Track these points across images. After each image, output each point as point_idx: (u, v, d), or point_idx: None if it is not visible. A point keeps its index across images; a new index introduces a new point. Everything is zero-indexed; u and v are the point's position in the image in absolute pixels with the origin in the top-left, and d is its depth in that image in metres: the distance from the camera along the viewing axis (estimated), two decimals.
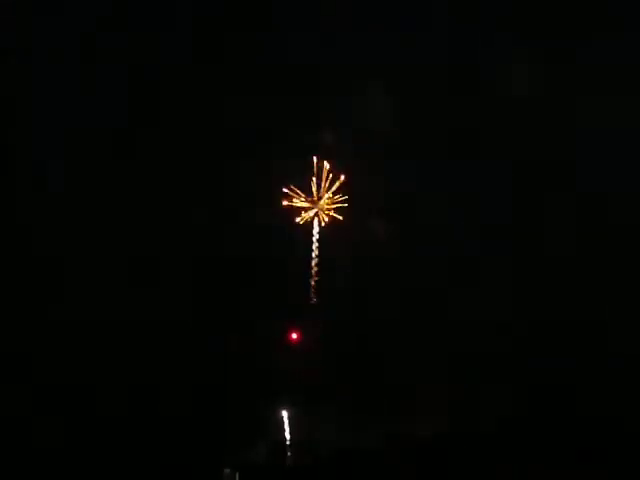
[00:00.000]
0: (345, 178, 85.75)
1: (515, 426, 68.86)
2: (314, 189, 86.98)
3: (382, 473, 63.96)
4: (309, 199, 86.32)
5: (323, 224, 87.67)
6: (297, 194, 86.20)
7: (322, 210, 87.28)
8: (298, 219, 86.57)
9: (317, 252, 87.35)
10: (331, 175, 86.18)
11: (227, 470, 67.05)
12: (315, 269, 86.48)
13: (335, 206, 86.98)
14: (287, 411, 74.79)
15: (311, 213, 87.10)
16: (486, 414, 69.73)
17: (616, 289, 73.88)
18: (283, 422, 74.43)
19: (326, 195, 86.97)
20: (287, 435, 73.44)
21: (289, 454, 70.29)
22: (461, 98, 76.29)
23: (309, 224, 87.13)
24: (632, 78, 74.16)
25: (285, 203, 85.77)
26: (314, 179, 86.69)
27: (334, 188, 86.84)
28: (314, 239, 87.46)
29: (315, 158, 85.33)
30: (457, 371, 71.96)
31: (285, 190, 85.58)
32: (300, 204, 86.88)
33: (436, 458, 64.68)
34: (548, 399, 71.08)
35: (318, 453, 68.18)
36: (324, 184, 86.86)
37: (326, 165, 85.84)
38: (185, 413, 69.39)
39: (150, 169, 74.06)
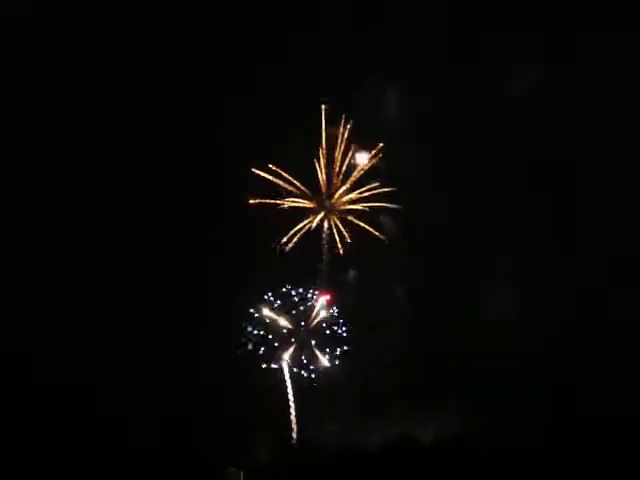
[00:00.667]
0: (377, 154, 58.29)
1: (515, 427, 69.11)
2: (320, 174, 57.77)
3: (383, 474, 64.09)
4: (316, 198, 58.76)
5: (340, 246, 58.00)
6: (293, 187, 59.34)
7: (334, 213, 58.93)
8: (284, 239, 57.72)
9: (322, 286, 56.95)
10: (351, 152, 58.02)
11: (232, 469, 66.74)
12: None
13: (355, 207, 58.95)
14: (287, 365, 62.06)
15: (317, 218, 58.91)
16: (486, 415, 70.06)
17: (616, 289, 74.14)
18: (283, 374, 62.55)
19: (341, 189, 57.75)
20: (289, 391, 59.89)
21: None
22: (461, 98, 76.30)
23: (318, 230, 58.82)
24: (632, 78, 74.35)
25: (252, 201, 60.29)
26: (321, 156, 57.58)
27: (356, 174, 58.71)
28: (321, 271, 58.20)
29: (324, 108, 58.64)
30: (458, 372, 72.15)
31: (257, 172, 57.84)
32: (300, 204, 59.66)
33: (437, 460, 64.77)
34: (548, 399, 71.31)
35: (323, 452, 67.31)
36: (337, 164, 58.02)
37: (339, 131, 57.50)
38: (189, 412, 69.55)
39: (149, 168, 74.08)
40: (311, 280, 60.43)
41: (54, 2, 72.22)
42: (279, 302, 59.82)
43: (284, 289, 59.45)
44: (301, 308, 58.38)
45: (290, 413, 61.93)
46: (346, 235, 60.13)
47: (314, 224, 58.86)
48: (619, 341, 71.46)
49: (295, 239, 60.02)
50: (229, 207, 72.77)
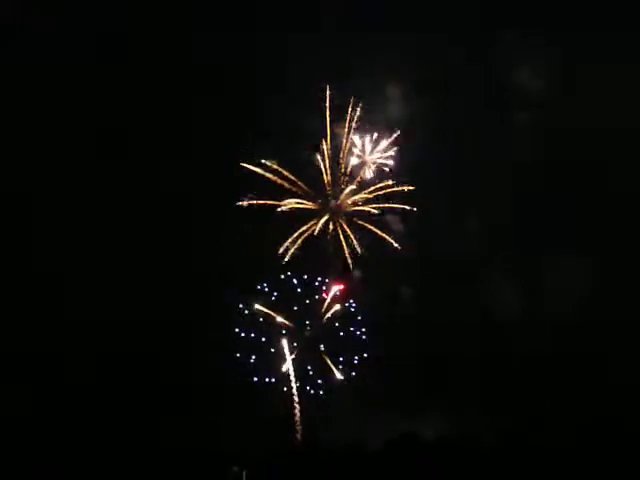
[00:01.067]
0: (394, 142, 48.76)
1: (515, 426, 69.20)
2: (324, 173, 47.86)
3: (384, 472, 64.10)
4: (319, 199, 48.39)
5: (348, 254, 46.98)
6: (292, 185, 50.11)
7: (339, 215, 48.27)
8: (285, 245, 46.85)
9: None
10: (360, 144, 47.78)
11: (235, 468, 66.37)
12: None
13: (363, 208, 48.73)
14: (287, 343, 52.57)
15: (322, 221, 49.03)
16: (487, 415, 70.17)
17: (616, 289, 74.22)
18: (284, 352, 53.06)
19: (348, 188, 48.21)
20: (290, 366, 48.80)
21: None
22: (461, 98, 76.46)
23: (321, 237, 48.21)
24: (632, 78, 74.51)
25: (242, 203, 51.86)
26: (326, 156, 47.84)
27: (362, 174, 49.00)
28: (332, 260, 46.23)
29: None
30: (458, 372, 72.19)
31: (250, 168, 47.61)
32: (301, 204, 50.26)
33: (437, 459, 64.79)
34: (548, 399, 71.40)
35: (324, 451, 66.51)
36: (343, 164, 47.86)
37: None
38: (190, 412, 69.53)
39: (147, 168, 74.20)
40: (318, 269, 50.11)
41: (54, 2, 72.29)
42: (276, 294, 50.05)
43: (282, 276, 48.98)
44: (307, 302, 47.65)
45: (295, 414, 53.68)
46: (356, 245, 50.62)
47: (318, 228, 48.92)
48: (619, 341, 71.57)
49: (297, 244, 50.60)
50: (228, 207, 72.97)
